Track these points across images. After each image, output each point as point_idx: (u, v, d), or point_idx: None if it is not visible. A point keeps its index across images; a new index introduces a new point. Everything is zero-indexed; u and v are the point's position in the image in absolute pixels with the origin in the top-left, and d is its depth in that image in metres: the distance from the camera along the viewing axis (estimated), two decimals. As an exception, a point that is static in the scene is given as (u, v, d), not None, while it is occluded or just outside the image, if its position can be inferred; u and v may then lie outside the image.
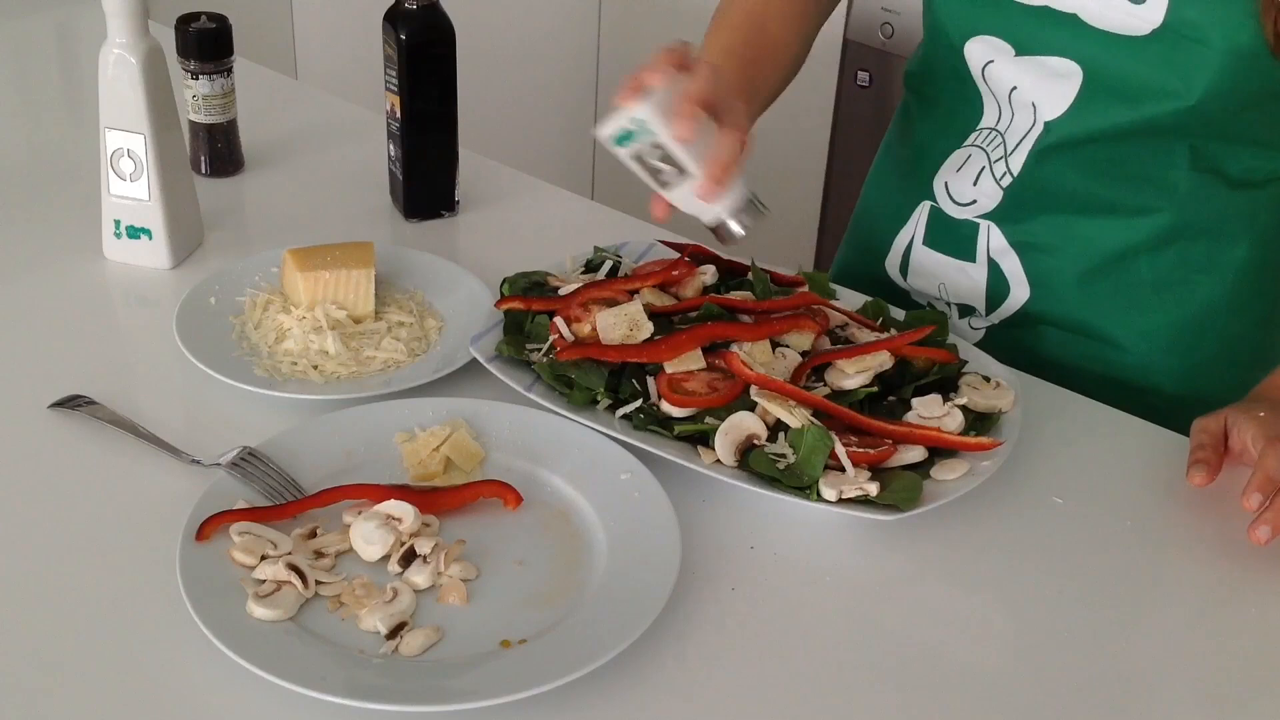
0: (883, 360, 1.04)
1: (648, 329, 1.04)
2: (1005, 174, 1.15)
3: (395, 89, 1.29)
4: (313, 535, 0.91)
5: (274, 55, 2.82)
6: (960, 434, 1.00)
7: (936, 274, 1.24)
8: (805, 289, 1.14)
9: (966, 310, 1.24)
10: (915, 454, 0.98)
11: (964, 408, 1.02)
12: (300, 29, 2.77)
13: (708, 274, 1.13)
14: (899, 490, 0.94)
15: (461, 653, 0.84)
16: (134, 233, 1.23)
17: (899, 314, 1.15)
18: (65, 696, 0.80)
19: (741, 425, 0.97)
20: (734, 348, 1.03)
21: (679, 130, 0.95)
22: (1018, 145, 1.14)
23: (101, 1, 1.15)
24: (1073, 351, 1.18)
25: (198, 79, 1.35)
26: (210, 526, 0.89)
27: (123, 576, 0.89)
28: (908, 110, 1.28)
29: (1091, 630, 0.89)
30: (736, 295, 1.11)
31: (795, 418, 0.96)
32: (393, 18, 1.27)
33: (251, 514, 0.91)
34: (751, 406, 0.99)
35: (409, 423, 1.01)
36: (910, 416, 1.01)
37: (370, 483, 0.94)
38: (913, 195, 1.23)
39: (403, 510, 0.91)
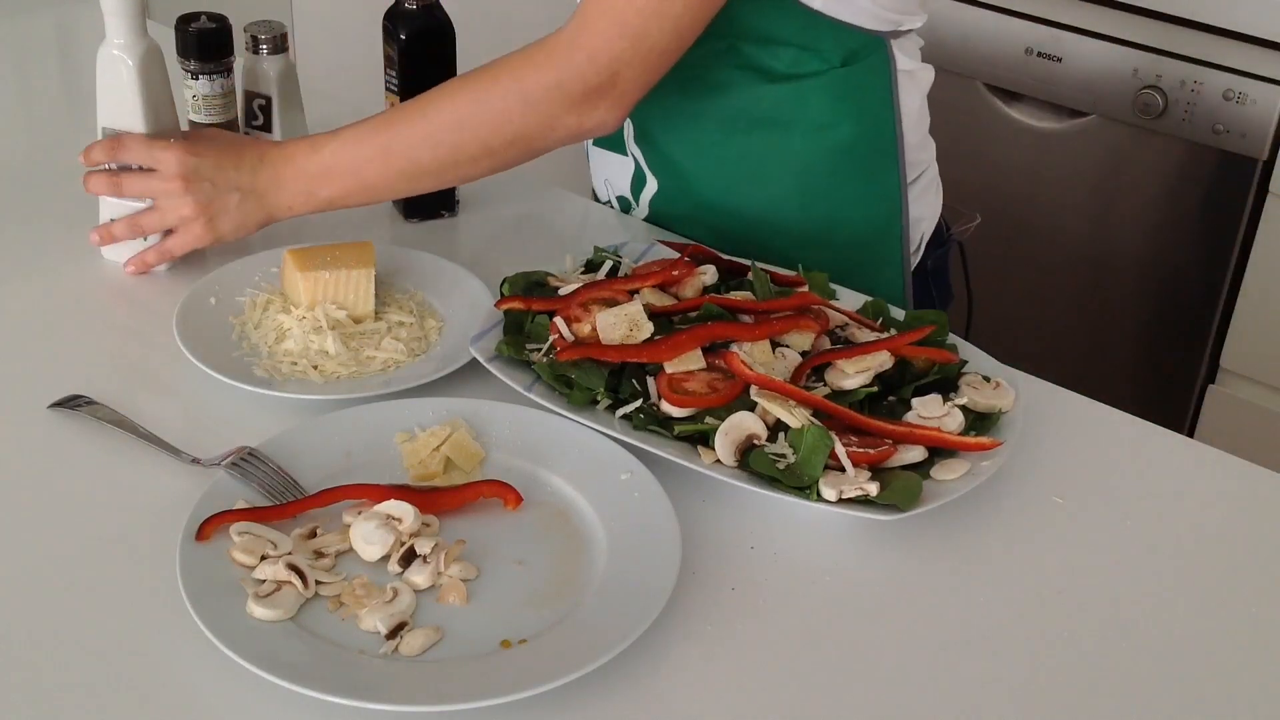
0: (883, 360, 1.04)
1: (648, 329, 1.04)
2: None
3: (395, 89, 1.29)
4: (313, 535, 0.91)
5: (274, 55, 2.81)
6: (960, 434, 1.00)
7: (603, 170, 1.37)
8: (805, 289, 1.14)
9: (626, 204, 1.36)
10: (915, 454, 0.98)
11: (964, 408, 1.02)
12: (300, 29, 2.77)
13: (708, 274, 1.13)
14: (899, 490, 0.93)
15: (461, 653, 0.84)
16: None
17: (899, 314, 1.15)
18: (65, 696, 0.80)
19: (741, 425, 0.97)
20: (734, 348, 1.03)
21: None
22: None
23: (100, 1, 1.15)
24: (703, 229, 1.29)
25: (198, 79, 1.35)
26: (210, 526, 0.89)
27: (123, 576, 0.89)
28: None
29: (1091, 630, 0.89)
30: (736, 295, 1.11)
31: (795, 418, 0.96)
32: (393, 18, 1.27)
33: (251, 514, 0.91)
34: (751, 406, 0.99)
35: (409, 423, 1.01)
36: (910, 416, 1.01)
37: (370, 483, 0.94)
38: None
39: (403, 510, 0.91)
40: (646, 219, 1.35)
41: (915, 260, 1.33)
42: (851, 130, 1.23)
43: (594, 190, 1.44)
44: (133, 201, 1.20)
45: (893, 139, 1.25)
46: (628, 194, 1.36)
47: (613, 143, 1.34)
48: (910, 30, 1.25)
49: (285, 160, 1.17)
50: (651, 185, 1.32)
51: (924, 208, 1.32)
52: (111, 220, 1.21)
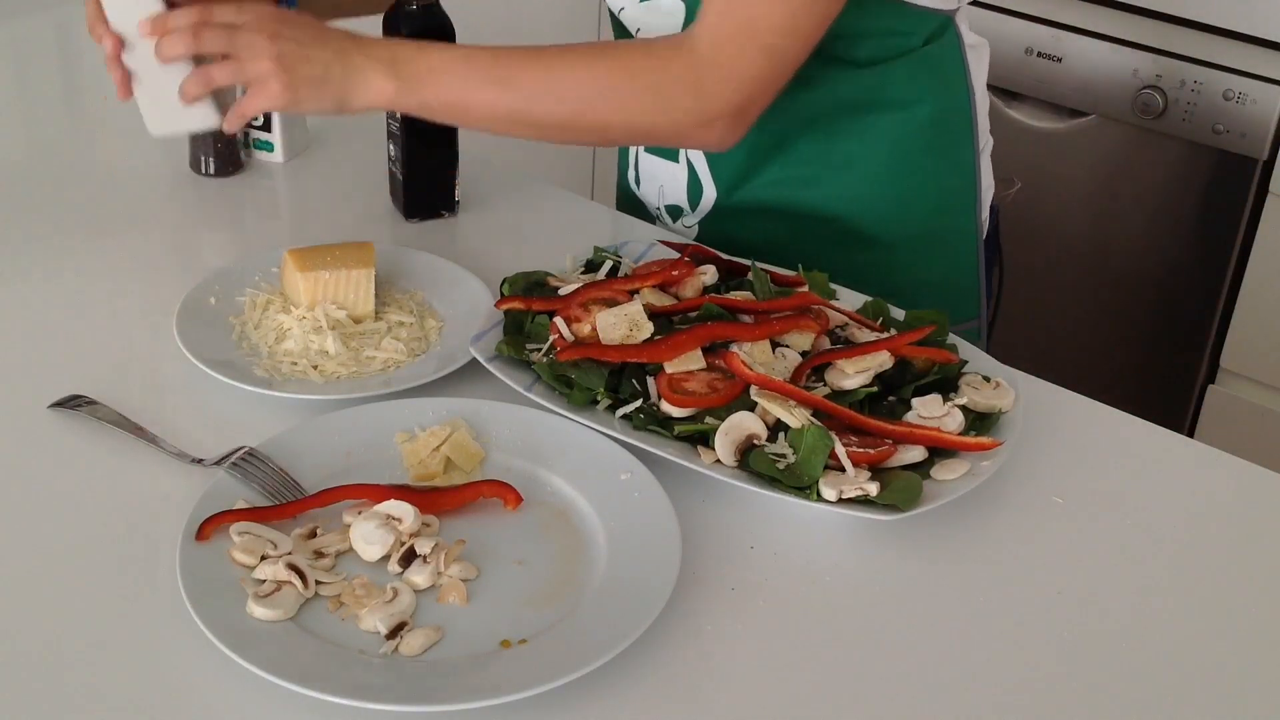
0: (883, 360, 1.04)
1: (648, 329, 1.04)
2: None
3: (395, 89, 1.29)
4: (313, 535, 0.91)
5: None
6: (960, 434, 1.00)
7: (656, 177, 1.34)
8: (805, 289, 1.14)
9: (676, 212, 1.34)
10: (915, 454, 0.98)
11: (964, 408, 1.02)
12: (300, 29, 2.77)
13: (708, 274, 1.13)
14: (899, 490, 0.93)
15: (461, 653, 0.84)
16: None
17: (899, 314, 1.15)
18: (65, 696, 0.80)
19: (741, 425, 0.97)
20: (734, 348, 1.03)
21: None
22: None
23: None
24: (774, 232, 1.27)
25: (198, 79, 1.35)
26: (210, 526, 0.89)
27: (123, 576, 0.89)
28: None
29: (1091, 629, 0.89)
30: (736, 295, 1.11)
31: (795, 418, 0.96)
32: (393, 18, 1.27)
33: (251, 514, 0.91)
34: (751, 406, 0.99)
35: (409, 423, 1.01)
36: (910, 416, 1.01)
37: (370, 483, 0.94)
38: None
39: (403, 510, 0.91)
40: (700, 224, 1.33)
41: (985, 226, 1.36)
42: (933, 106, 1.25)
43: (630, 193, 1.40)
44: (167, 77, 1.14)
45: (968, 112, 1.28)
46: (681, 202, 1.33)
47: (667, 151, 1.32)
48: (962, 6, 1.27)
49: (385, 48, 1.10)
50: (710, 192, 1.31)
51: (988, 175, 1.36)
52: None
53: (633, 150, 1.37)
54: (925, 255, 1.29)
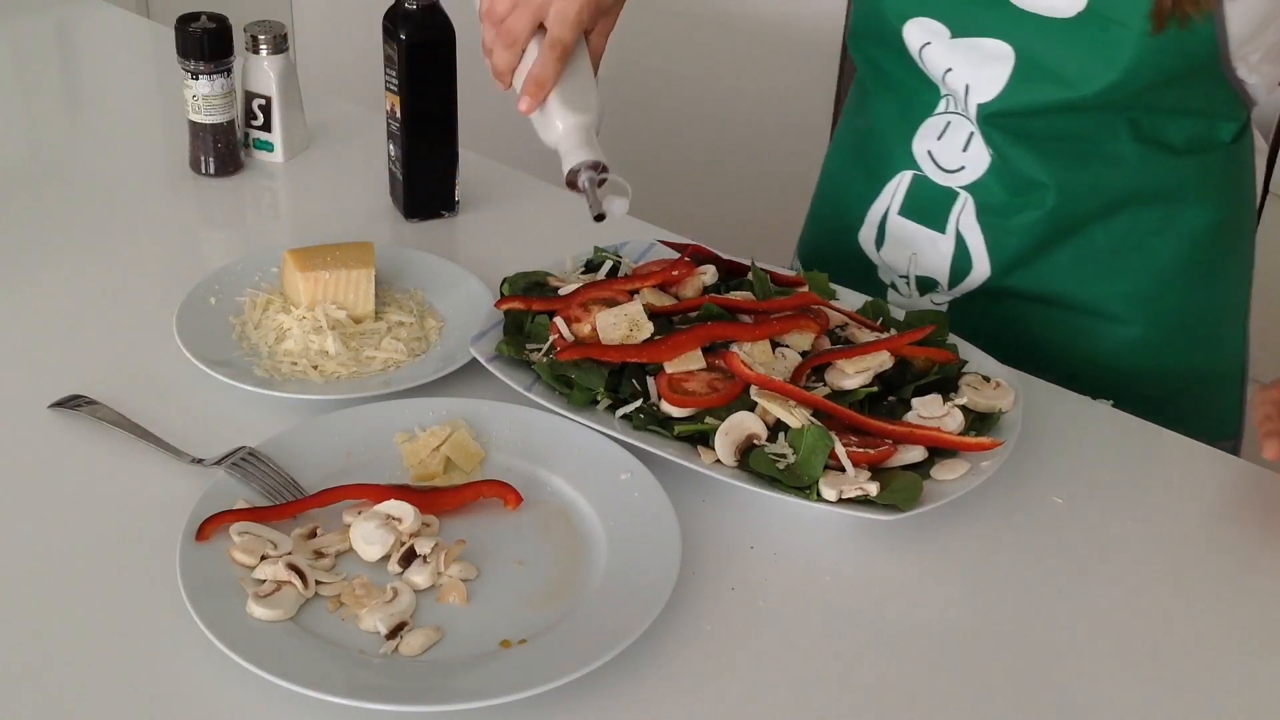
0: (883, 360, 1.04)
1: (648, 329, 1.04)
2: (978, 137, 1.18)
3: (395, 89, 1.29)
4: (313, 535, 0.91)
5: (274, 55, 2.80)
6: (960, 434, 1.00)
7: (910, 243, 1.25)
8: (805, 289, 1.14)
9: (928, 285, 1.25)
10: (915, 454, 0.98)
11: (964, 408, 1.02)
12: (300, 29, 2.77)
13: (708, 274, 1.13)
14: (899, 490, 0.94)
15: (461, 653, 0.84)
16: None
17: (899, 314, 1.15)
18: (65, 696, 0.80)
19: (741, 425, 0.97)
20: (734, 348, 1.03)
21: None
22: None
23: None
24: (1035, 321, 1.21)
25: (198, 79, 1.35)
26: (210, 526, 0.89)
27: (123, 576, 0.89)
28: (862, 83, 1.30)
29: (1092, 630, 0.89)
30: (736, 295, 1.11)
31: (795, 418, 0.96)
32: (393, 18, 1.27)
33: (251, 514, 0.91)
34: (751, 406, 0.99)
35: (409, 423, 1.01)
36: (910, 416, 1.01)
37: (370, 483, 0.94)
38: (889, 165, 1.24)
39: (403, 510, 0.91)
40: (954, 303, 1.24)
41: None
42: (1231, 210, 1.21)
43: (853, 249, 1.29)
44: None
45: (1254, 222, 1.24)
46: (940, 275, 1.23)
47: (932, 218, 1.22)
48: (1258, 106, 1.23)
49: None
50: (981, 269, 1.21)
51: None
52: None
53: (879, 207, 1.25)
54: (1198, 367, 1.22)
